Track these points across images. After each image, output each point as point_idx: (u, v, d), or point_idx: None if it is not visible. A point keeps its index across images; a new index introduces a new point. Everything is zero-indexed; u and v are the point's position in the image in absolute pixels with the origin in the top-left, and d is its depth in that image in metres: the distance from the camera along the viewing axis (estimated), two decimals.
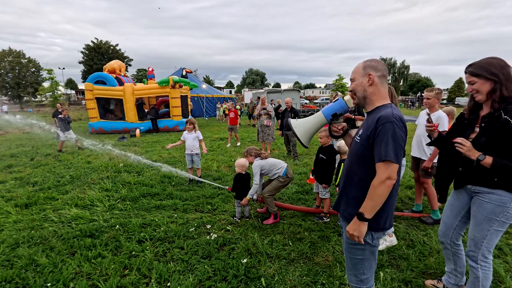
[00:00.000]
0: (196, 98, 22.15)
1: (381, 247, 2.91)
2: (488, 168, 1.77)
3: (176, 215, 3.87)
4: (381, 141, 1.45)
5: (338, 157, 3.87)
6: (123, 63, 16.21)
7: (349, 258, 1.70)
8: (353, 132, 1.87)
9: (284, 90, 24.64)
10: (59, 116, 8.78)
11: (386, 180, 1.43)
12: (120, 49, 52.17)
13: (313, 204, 4.17)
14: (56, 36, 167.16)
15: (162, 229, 3.42)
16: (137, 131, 12.37)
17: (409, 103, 39.20)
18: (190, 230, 3.43)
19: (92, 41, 49.61)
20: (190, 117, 6.60)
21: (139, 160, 6.38)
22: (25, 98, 47.84)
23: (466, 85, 1.95)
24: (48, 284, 2.46)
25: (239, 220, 3.68)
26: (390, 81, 62.19)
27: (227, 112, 20.09)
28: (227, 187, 4.20)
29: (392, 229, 2.95)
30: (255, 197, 3.77)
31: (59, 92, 32.27)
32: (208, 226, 3.53)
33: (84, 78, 48.71)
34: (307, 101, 38.88)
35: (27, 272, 2.65)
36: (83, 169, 6.45)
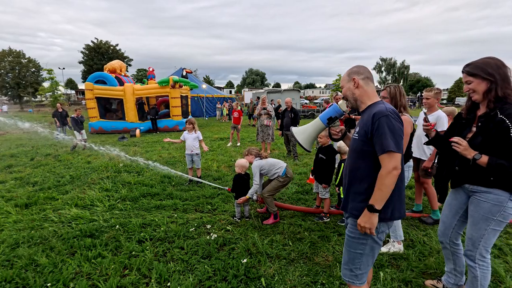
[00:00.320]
0: (196, 98, 22.16)
1: (385, 250, 2.91)
2: (484, 167, 1.78)
3: (176, 215, 3.88)
4: (381, 135, 1.53)
5: (338, 157, 3.87)
6: (123, 63, 16.21)
7: (348, 252, 1.72)
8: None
9: (284, 90, 24.66)
10: (72, 116, 8.98)
11: (392, 170, 1.51)
12: (120, 49, 52.18)
13: (313, 204, 4.17)
14: (56, 36, 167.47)
15: (162, 229, 3.42)
16: (137, 131, 12.37)
17: (409, 103, 39.24)
18: (190, 230, 3.43)
19: (92, 41, 49.66)
20: (190, 117, 6.60)
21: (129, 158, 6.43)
22: (25, 98, 47.86)
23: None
24: (48, 284, 2.46)
25: (239, 220, 3.68)
26: (390, 81, 62.19)
27: (226, 112, 20.18)
28: (226, 188, 4.20)
29: (402, 237, 2.95)
30: (254, 197, 3.77)
31: (59, 92, 32.26)
32: (208, 226, 3.53)
33: (84, 78, 48.70)
34: (307, 101, 38.87)
35: (27, 272, 2.65)
36: (83, 169, 6.46)
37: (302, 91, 55.86)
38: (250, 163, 3.76)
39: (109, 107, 14.99)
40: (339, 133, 2.06)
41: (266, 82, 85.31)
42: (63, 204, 4.31)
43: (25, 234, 3.37)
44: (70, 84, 72.41)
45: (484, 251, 1.92)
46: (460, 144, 1.84)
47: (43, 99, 42.00)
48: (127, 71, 19.84)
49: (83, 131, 9.09)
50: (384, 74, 64.23)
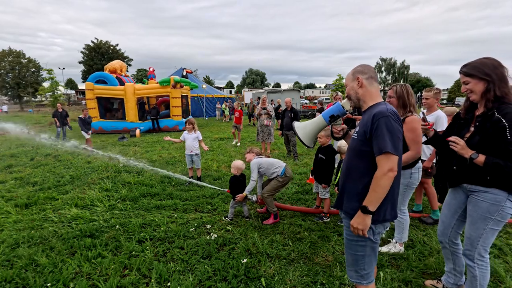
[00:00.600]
0: (196, 98, 22.16)
1: (385, 250, 2.91)
2: (481, 166, 1.78)
3: (176, 215, 3.88)
4: (379, 135, 1.52)
5: (337, 157, 3.87)
6: (124, 63, 16.22)
7: (350, 254, 1.72)
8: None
9: (284, 90, 24.67)
10: (80, 116, 9.06)
11: (388, 172, 1.50)
12: (120, 49, 52.22)
13: (313, 204, 4.17)
14: (56, 36, 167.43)
15: (162, 229, 3.42)
16: (137, 131, 12.37)
17: None
18: (190, 230, 3.43)
19: (92, 41, 49.74)
20: (190, 117, 6.60)
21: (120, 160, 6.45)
22: (25, 98, 47.88)
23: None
24: (48, 284, 2.46)
25: (230, 220, 3.68)
26: (390, 81, 62.19)
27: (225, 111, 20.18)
28: (226, 190, 4.20)
29: (406, 239, 2.96)
30: (254, 199, 3.77)
31: (59, 92, 32.28)
32: (208, 226, 3.53)
33: (84, 78, 48.73)
34: (307, 101, 38.87)
35: (27, 272, 2.65)
36: (83, 169, 6.46)
37: (302, 91, 55.84)
38: (248, 162, 3.76)
39: (111, 107, 15.02)
40: (340, 131, 2.06)
41: (266, 82, 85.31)
42: (63, 204, 4.31)
43: (25, 234, 3.37)
44: (70, 84, 72.41)
45: (482, 251, 1.92)
46: (458, 144, 1.85)
47: (43, 99, 42.03)
48: (127, 71, 19.82)
49: (90, 132, 9.14)
50: (384, 74, 64.22)
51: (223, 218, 3.75)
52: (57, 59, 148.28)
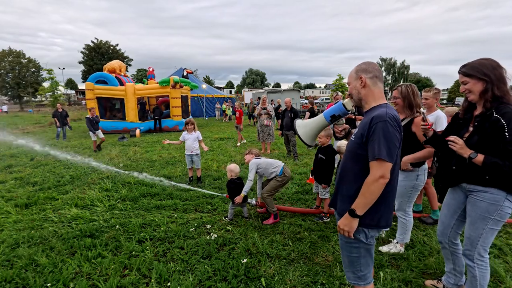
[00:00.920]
0: (196, 98, 22.15)
1: (385, 249, 2.91)
2: (480, 166, 1.79)
3: (176, 215, 3.88)
4: (375, 140, 1.49)
5: (337, 157, 3.87)
6: (123, 63, 16.21)
7: (346, 256, 1.73)
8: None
9: (284, 90, 24.67)
10: (87, 116, 8.74)
11: (379, 179, 1.47)
12: (120, 49, 52.20)
13: (313, 204, 4.17)
14: (57, 36, 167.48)
15: (162, 229, 3.42)
16: (137, 131, 12.37)
17: None
18: (190, 230, 3.43)
19: (92, 41, 49.69)
20: (190, 117, 6.59)
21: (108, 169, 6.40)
22: (25, 98, 47.88)
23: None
24: (48, 284, 2.46)
25: (229, 220, 3.69)
26: (390, 81, 62.20)
27: (227, 112, 20.16)
28: (225, 195, 4.19)
29: (408, 240, 2.96)
30: (254, 202, 3.77)
31: (59, 92, 32.27)
32: (208, 226, 3.53)
33: (84, 78, 48.73)
34: (307, 101, 38.85)
35: (27, 272, 2.65)
36: (83, 169, 6.45)
37: (302, 91, 55.81)
38: (247, 163, 3.77)
39: (113, 107, 15.02)
40: (342, 131, 2.05)
41: (266, 82, 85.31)
42: (63, 204, 4.31)
43: (25, 234, 3.37)
44: (70, 84, 72.41)
45: (482, 251, 1.92)
46: (456, 143, 1.86)
47: (43, 99, 41.98)
48: (127, 71, 19.83)
49: (99, 131, 8.81)
50: (384, 74, 64.21)
51: (223, 218, 3.75)
52: (57, 59, 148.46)
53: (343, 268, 2.54)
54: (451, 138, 1.89)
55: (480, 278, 1.94)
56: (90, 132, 8.75)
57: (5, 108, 36.40)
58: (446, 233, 2.19)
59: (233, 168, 3.81)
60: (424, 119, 2.20)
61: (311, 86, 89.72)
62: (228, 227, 3.50)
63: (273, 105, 15.06)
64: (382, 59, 64.44)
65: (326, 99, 35.50)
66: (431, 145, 2.28)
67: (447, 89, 56.88)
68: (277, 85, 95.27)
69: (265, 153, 8.11)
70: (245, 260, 2.76)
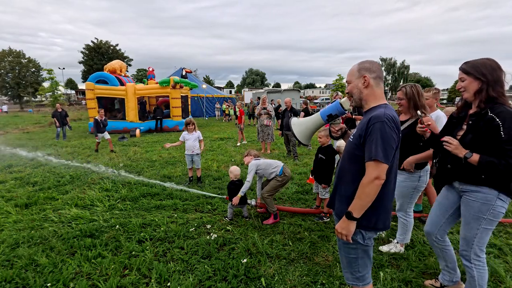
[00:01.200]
0: (196, 98, 22.15)
1: (386, 249, 2.91)
2: (475, 165, 1.79)
3: (176, 215, 3.87)
4: (371, 141, 1.48)
5: (337, 157, 3.87)
6: (124, 63, 16.20)
7: (344, 257, 1.72)
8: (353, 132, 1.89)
9: (284, 90, 24.67)
10: (96, 118, 8.56)
11: (374, 180, 1.46)
12: (120, 49, 52.19)
13: (313, 204, 4.17)
14: (57, 36, 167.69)
15: (162, 229, 3.42)
16: (137, 131, 12.37)
17: None
18: (190, 230, 3.43)
19: (92, 41, 49.66)
20: (190, 117, 6.57)
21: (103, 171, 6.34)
22: (25, 98, 47.87)
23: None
24: (48, 284, 2.46)
25: (229, 220, 3.69)
26: (390, 81, 62.18)
27: (227, 112, 20.14)
28: (225, 197, 4.18)
29: (408, 240, 2.96)
30: (253, 203, 3.77)
31: (59, 92, 32.24)
32: (208, 226, 3.53)
33: (84, 78, 48.71)
34: (307, 101, 38.79)
35: (27, 272, 2.65)
36: (83, 169, 6.45)
37: (302, 91, 55.81)
38: (246, 165, 3.79)
39: (113, 107, 15.02)
40: (338, 131, 2.00)
41: (266, 82, 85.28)
42: (63, 204, 4.31)
43: (25, 234, 3.37)
44: (70, 84, 72.39)
45: (478, 251, 1.93)
46: (451, 143, 1.86)
47: (43, 99, 41.96)
48: (127, 71, 19.81)
49: (106, 133, 8.63)
50: (384, 74, 64.07)
51: (223, 218, 3.75)
52: (57, 59, 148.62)
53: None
54: (446, 138, 1.90)
55: (479, 278, 1.94)
56: (98, 134, 8.50)
57: (5, 108, 36.40)
58: (433, 231, 2.22)
59: (232, 170, 3.84)
60: (421, 122, 2.20)
61: (311, 86, 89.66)
62: (228, 227, 3.50)
63: (273, 105, 15.06)
64: (382, 59, 64.40)
65: (326, 99, 35.48)
66: (430, 146, 2.28)
67: (447, 89, 56.84)
68: (277, 85, 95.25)
69: (265, 153, 8.11)
70: (245, 260, 2.76)
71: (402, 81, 61.32)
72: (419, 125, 2.18)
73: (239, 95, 46.32)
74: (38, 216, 3.89)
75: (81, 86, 66.38)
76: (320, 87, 76.42)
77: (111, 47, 50.95)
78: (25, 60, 47.52)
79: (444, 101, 48.44)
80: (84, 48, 49.67)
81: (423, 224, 3.56)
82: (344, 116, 2.07)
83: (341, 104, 1.80)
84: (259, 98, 17.67)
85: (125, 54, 52.71)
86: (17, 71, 46.54)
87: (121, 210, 4.10)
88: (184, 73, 21.76)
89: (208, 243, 3.11)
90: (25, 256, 2.88)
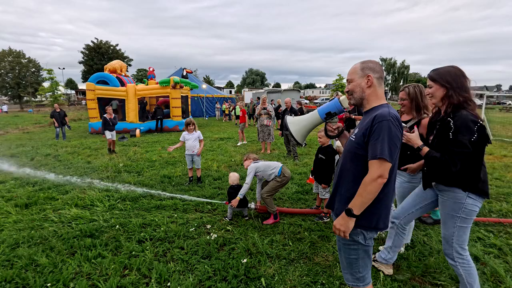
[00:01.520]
0: (196, 98, 22.15)
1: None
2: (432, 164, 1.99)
3: (176, 215, 3.88)
4: (377, 139, 1.47)
5: (337, 157, 3.86)
6: (124, 63, 16.20)
7: (344, 258, 1.70)
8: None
9: (284, 90, 24.66)
10: (104, 115, 8.33)
11: (377, 178, 1.45)
12: (120, 49, 52.17)
13: (313, 204, 4.17)
14: (57, 36, 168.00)
15: (162, 229, 3.42)
16: (137, 131, 12.37)
17: None
18: (190, 230, 3.43)
19: (92, 41, 49.62)
20: (190, 117, 6.57)
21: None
22: (25, 98, 47.85)
23: None
24: (48, 284, 2.46)
25: (229, 220, 3.70)
26: (390, 81, 62.14)
27: (227, 112, 20.13)
28: (224, 202, 4.18)
29: (409, 241, 2.98)
30: (253, 206, 3.78)
31: (59, 92, 32.21)
32: (208, 226, 3.53)
33: (84, 78, 48.72)
34: (307, 101, 38.88)
35: (27, 272, 2.65)
36: (83, 169, 6.46)
37: (302, 91, 55.81)
38: (246, 168, 3.82)
39: (115, 108, 15.01)
40: (335, 130, 1.96)
41: (266, 82, 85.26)
42: (63, 204, 4.31)
43: (25, 234, 3.37)
44: (70, 84, 72.39)
45: (459, 249, 1.99)
46: (407, 136, 2.04)
47: (43, 99, 41.95)
48: (127, 71, 19.81)
49: (113, 132, 8.37)
50: (384, 74, 64.12)
51: (223, 218, 3.75)
52: (57, 59, 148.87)
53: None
54: (404, 132, 2.03)
55: (466, 276, 2.00)
56: (107, 132, 8.27)
57: (5, 108, 36.37)
58: (400, 216, 2.38)
59: (231, 176, 3.96)
60: (407, 130, 2.28)
61: (311, 86, 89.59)
62: (228, 227, 3.50)
63: (273, 105, 15.06)
64: (382, 59, 64.35)
65: (326, 99, 35.47)
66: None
67: None
68: (277, 85, 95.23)
69: (265, 153, 8.11)
70: (245, 260, 2.76)
71: (402, 81, 61.27)
72: (405, 132, 2.16)
73: (239, 95, 46.33)
74: (38, 216, 3.89)
75: (81, 86, 66.42)
76: (320, 87, 76.43)
77: (111, 47, 50.91)
78: (25, 60, 47.50)
79: None
80: (84, 48, 49.62)
81: (423, 224, 3.56)
82: (344, 116, 2.05)
83: (340, 102, 1.79)
84: (259, 98, 17.67)
85: (125, 54, 52.67)
86: (17, 71, 46.53)
87: (121, 210, 4.10)
88: (184, 73, 21.74)
89: (208, 243, 3.11)
90: (25, 256, 2.88)
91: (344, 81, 36.43)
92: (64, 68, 65.99)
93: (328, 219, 3.69)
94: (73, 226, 3.58)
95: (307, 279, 2.52)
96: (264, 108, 7.96)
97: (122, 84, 14.20)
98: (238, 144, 9.62)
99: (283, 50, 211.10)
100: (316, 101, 38.83)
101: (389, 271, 2.54)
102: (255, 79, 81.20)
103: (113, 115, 8.50)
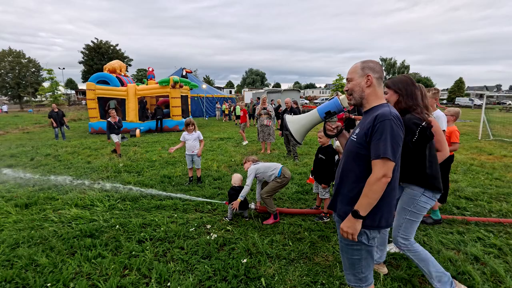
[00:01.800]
0: (196, 98, 22.15)
1: (386, 249, 2.90)
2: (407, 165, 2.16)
3: (176, 215, 3.88)
4: (379, 139, 1.47)
5: (337, 157, 3.86)
6: (123, 63, 16.20)
7: (346, 259, 1.69)
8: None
9: (284, 90, 24.65)
10: (108, 119, 8.09)
11: (382, 178, 1.45)
12: (120, 49, 52.18)
13: (313, 204, 4.17)
14: (57, 36, 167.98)
15: (162, 229, 3.42)
16: (137, 131, 12.37)
17: None
18: (190, 230, 3.43)
19: (92, 41, 49.65)
20: (190, 117, 6.57)
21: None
22: (25, 98, 47.90)
23: None
24: (48, 284, 2.46)
25: (229, 220, 3.70)
26: None
27: (227, 112, 20.13)
28: (224, 202, 4.18)
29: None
30: (253, 206, 3.78)
31: (59, 92, 32.22)
32: (208, 226, 3.53)
33: (84, 78, 48.74)
34: (307, 101, 38.89)
35: (27, 272, 2.65)
36: (83, 169, 6.46)
37: (302, 91, 55.81)
38: (246, 170, 3.82)
39: (109, 108, 15.00)
40: (334, 129, 1.96)
41: (266, 82, 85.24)
42: (63, 204, 4.31)
43: (25, 234, 3.37)
44: (70, 84, 72.37)
45: (401, 238, 2.22)
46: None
47: (43, 99, 41.95)
48: (127, 71, 19.81)
49: (119, 135, 8.18)
50: (384, 74, 64.14)
51: (223, 218, 3.75)
52: (57, 59, 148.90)
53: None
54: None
55: (417, 261, 2.20)
56: (113, 135, 8.03)
57: (5, 108, 36.40)
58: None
59: (234, 177, 3.95)
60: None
61: (311, 86, 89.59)
62: (228, 227, 3.50)
63: (273, 105, 15.06)
64: (382, 59, 64.38)
65: (326, 99, 35.46)
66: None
67: (447, 89, 56.85)
68: (277, 85, 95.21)
69: (265, 153, 8.11)
70: (245, 260, 2.76)
71: None
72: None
73: (239, 95, 46.32)
74: (38, 216, 3.89)
75: (81, 86, 66.45)
76: (320, 87, 76.45)
77: (111, 47, 50.93)
78: (25, 60, 47.56)
79: (444, 101, 48.41)
80: (84, 48, 49.65)
81: (423, 224, 3.56)
82: (344, 116, 2.08)
83: (340, 102, 1.79)
84: (259, 98, 17.67)
85: (125, 54, 52.71)
86: (17, 71, 46.58)
87: (121, 210, 4.10)
88: (184, 73, 21.76)
89: (208, 243, 3.11)
90: (25, 256, 2.88)
91: (344, 81, 36.51)
92: (64, 68, 66.11)
93: (328, 219, 3.69)
94: (73, 226, 3.58)
95: (307, 279, 2.52)
96: (264, 108, 7.96)
97: (122, 84, 14.21)
98: (244, 143, 9.62)
99: (283, 50, 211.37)
100: (316, 101, 38.83)
101: (383, 270, 2.57)
102: (255, 79, 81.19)
103: (118, 117, 8.26)
